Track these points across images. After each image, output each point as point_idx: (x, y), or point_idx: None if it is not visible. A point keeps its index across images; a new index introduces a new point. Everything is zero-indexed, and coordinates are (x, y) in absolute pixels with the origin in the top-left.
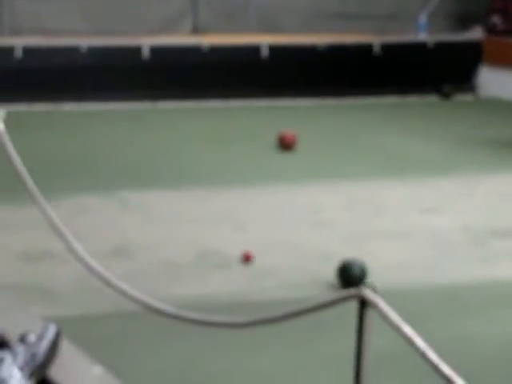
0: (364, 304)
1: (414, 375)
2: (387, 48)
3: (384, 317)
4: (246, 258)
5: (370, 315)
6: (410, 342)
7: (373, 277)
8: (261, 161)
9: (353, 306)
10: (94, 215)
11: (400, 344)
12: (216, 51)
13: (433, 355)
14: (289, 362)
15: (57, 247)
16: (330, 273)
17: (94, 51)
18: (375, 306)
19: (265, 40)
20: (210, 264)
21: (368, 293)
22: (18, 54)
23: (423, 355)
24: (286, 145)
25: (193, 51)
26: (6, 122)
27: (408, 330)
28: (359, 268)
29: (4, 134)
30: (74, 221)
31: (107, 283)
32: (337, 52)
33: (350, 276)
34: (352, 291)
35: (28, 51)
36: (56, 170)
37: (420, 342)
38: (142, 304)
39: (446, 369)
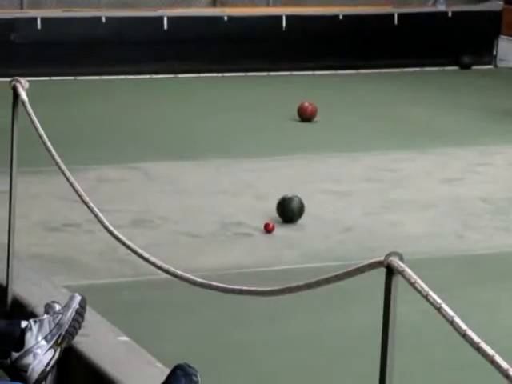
0: (391, 272)
1: (438, 344)
2: (407, 18)
3: (412, 284)
4: (268, 229)
5: (396, 283)
6: (437, 310)
7: (394, 247)
8: (281, 131)
9: (377, 274)
10: (115, 186)
11: (422, 313)
12: (236, 22)
13: (461, 322)
14: (314, 331)
15: (79, 217)
16: (351, 243)
17: (114, 22)
18: (402, 274)
19: (284, 11)
20: (232, 234)
21: (395, 260)
22: (38, 25)
23: (452, 323)
24: (306, 115)
25: (213, 22)
26: (28, 93)
27: (435, 297)
28: (297, 203)
29: (27, 104)
30: (96, 192)
31: (134, 252)
32: (357, 22)
33: (288, 210)
34: (378, 259)
35: (47, 22)
36: (77, 141)
37: (448, 310)
38: (167, 273)
39: (474, 336)
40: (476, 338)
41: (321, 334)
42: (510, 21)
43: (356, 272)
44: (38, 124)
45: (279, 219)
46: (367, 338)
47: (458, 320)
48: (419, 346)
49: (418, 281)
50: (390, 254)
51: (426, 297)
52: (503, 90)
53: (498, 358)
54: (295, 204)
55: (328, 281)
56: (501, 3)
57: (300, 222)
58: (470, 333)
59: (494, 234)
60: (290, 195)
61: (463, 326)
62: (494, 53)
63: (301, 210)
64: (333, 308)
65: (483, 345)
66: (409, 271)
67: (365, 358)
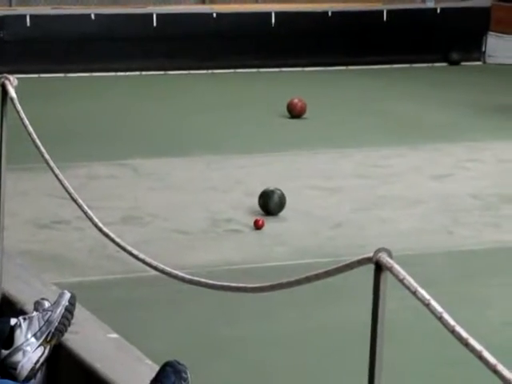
0: (380, 268)
1: (426, 340)
2: (396, 15)
3: (400, 281)
4: (258, 225)
5: (385, 280)
6: (426, 306)
7: (383, 243)
8: (271, 128)
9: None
10: (104, 183)
11: (411, 310)
12: (225, 19)
13: (450, 318)
14: (303, 327)
15: (69, 215)
16: (341, 240)
17: (103, 19)
18: (391, 270)
19: (273, 7)
20: (222, 231)
21: (384, 257)
22: (27, 22)
23: (440, 319)
24: (295, 112)
25: (202, 19)
26: (17, 90)
27: (424, 293)
28: (278, 196)
29: (16, 101)
30: (86, 189)
31: (123, 249)
32: (346, 19)
33: (269, 203)
34: (367, 255)
35: (36, 20)
36: (66, 138)
37: (437, 306)
38: (156, 270)
39: (463, 331)
40: (464, 334)
41: (310, 330)
42: (499, 17)
43: (345, 268)
44: (26, 121)
45: (262, 212)
46: (356, 333)
47: (446, 316)
48: (408, 342)
49: (407, 277)
50: (378, 250)
51: (415, 293)
52: (492, 86)
53: (486, 354)
54: (276, 197)
55: (317, 277)
56: None
57: (289, 218)
58: (458, 329)
59: (483, 229)
60: (271, 188)
61: (452, 322)
62: (483, 49)
63: (282, 202)
64: (322, 304)
65: (471, 341)
66: (397, 267)
67: (354, 353)
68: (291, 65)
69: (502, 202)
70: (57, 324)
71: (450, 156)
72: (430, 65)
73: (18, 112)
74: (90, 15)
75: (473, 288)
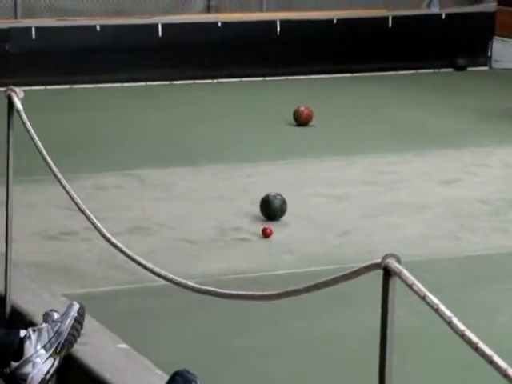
0: (388, 273)
1: (436, 346)
2: (401, 21)
3: (409, 286)
4: (266, 234)
5: (393, 285)
6: (435, 311)
7: (391, 249)
8: (277, 136)
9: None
10: (111, 194)
11: (419, 315)
12: (230, 28)
13: (459, 323)
14: (313, 335)
15: (76, 226)
16: (349, 247)
17: (109, 30)
18: (399, 276)
19: (278, 16)
20: (230, 240)
21: (392, 263)
22: (32, 34)
23: (450, 324)
24: (302, 120)
25: (207, 28)
26: (23, 102)
27: (433, 298)
28: (279, 201)
29: (22, 113)
30: (93, 200)
31: (131, 259)
32: (351, 26)
33: (271, 208)
34: (375, 261)
35: (41, 32)
36: (72, 149)
37: (446, 311)
38: (165, 279)
39: (473, 336)
40: (474, 339)
41: (319, 339)
42: (504, 22)
43: (353, 275)
44: (33, 133)
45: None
46: (366, 340)
47: (455, 321)
48: (417, 348)
49: (416, 282)
50: (386, 256)
51: (424, 298)
52: (498, 91)
53: (496, 359)
54: (278, 202)
55: (326, 284)
56: (494, 4)
57: (297, 226)
58: (468, 333)
59: (491, 235)
60: (273, 193)
61: (461, 327)
62: (489, 54)
63: (283, 208)
64: (331, 312)
65: (482, 345)
66: (406, 273)
67: (364, 360)
68: (297, 73)
69: (509, 207)
70: (66, 335)
71: (456, 161)
72: (435, 70)
73: (24, 124)
74: (95, 26)
75: (481, 293)
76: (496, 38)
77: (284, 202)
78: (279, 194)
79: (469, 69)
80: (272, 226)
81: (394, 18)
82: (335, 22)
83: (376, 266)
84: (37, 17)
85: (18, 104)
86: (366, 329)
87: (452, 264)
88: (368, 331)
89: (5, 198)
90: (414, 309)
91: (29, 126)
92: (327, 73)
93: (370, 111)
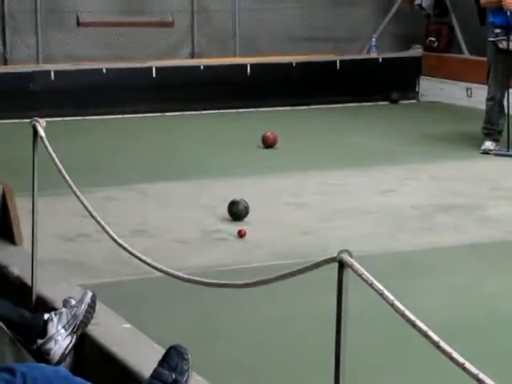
0: (342, 265)
1: (381, 323)
2: (347, 64)
3: (359, 275)
4: (241, 234)
5: (347, 275)
6: (380, 295)
7: (342, 246)
8: (249, 156)
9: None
10: (118, 204)
11: (368, 299)
12: (210, 70)
13: (400, 305)
14: (279, 316)
15: (89, 229)
16: (308, 244)
17: (113, 72)
18: (351, 267)
19: (249, 60)
20: (212, 239)
21: (346, 256)
22: (51, 76)
23: (392, 305)
24: (268, 143)
25: (192, 71)
26: (45, 131)
27: (379, 285)
28: (243, 205)
29: (45, 139)
30: (103, 209)
31: (134, 256)
32: (307, 68)
33: (236, 210)
34: (332, 256)
35: (59, 74)
36: (86, 168)
37: (389, 295)
38: (161, 271)
39: (411, 315)
40: (412, 317)
41: (286, 318)
42: (428, 64)
43: (314, 266)
44: (54, 155)
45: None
46: (324, 320)
47: (397, 303)
48: (366, 326)
49: (365, 272)
50: (341, 252)
51: (371, 285)
52: (424, 119)
53: (430, 333)
54: (241, 205)
55: (292, 274)
56: (420, 50)
57: (266, 227)
58: (407, 313)
59: (421, 234)
60: (237, 199)
61: (402, 308)
62: (417, 90)
63: (246, 209)
64: (295, 297)
65: (418, 322)
66: (357, 265)
67: (323, 336)
68: (264, 105)
69: (435, 212)
70: (81, 317)
71: (392, 175)
72: (374, 103)
73: (46, 148)
74: (101, 69)
75: (413, 281)
76: (422, 76)
77: (246, 205)
78: (243, 199)
79: (401, 102)
80: (245, 227)
81: (341, 61)
82: (294, 64)
83: (333, 259)
84: (55, 62)
85: (41, 132)
86: (324, 311)
87: (390, 258)
88: (326, 313)
89: (31, 207)
90: (362, 294)
91: (50, 150)
92: (289, 106)
93: (324, 136)
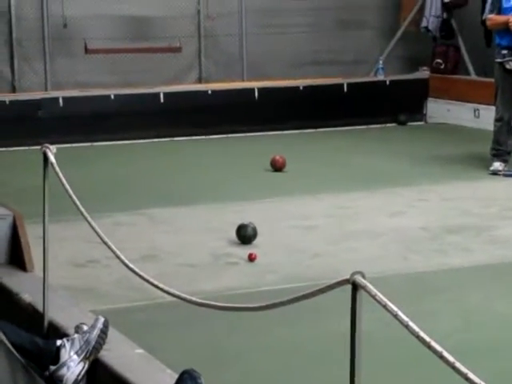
0: (355, 287)
1: (394, 344)
2: (354, 86)
3: (372, 297)
4: (251, 258)
5: (360, 297)
6: (394, 316)
7: (354, 268)
8: (258, 180)
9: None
10: (127, 229)
11: (381, 321)
12: (218, 94)
13: (414, 326)
14: (292, 339)
15: (99, 255)
16: (319, 267)
17: (121, 98)
18: (365, 289)
19: (256, 84)
20: (223, 263)
21: (359, 278)
22: (60, 103)
23: (407, 327)
24: (277, 167)
25: (199, 95)
26: (56, 157)
27: (393, 306)
28: (251, 228)
29: (55, 165)
30: (112, 234)
31: (146, 281)
32: (315, 91)
33: (244, 233)
34: (345, 278)
35: (67, 101)
36: (95, 194)
37: (403, 316)
38: (173, 296)
39: (426, 336)
40: (427, 338)
41: (300, 341)
42: (435, 86)
43: (328, 288)
44: (64, 181)
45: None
46: (338, 341)
47: (411, 324)
48: (380, 347)
49: (378, 294)
50: (354, 273)
51: (385, 306)
52: (432, 141)
53: (445, 354)
54: (249, 228)
55: (304, 297)
56: (427, 72)
57: (276, 251)
58: (422, 334)
59: (432, 255)
60: (245, 222)
61: (416, 329)
62: (424, 112)
63: (254, 232)
64: (309, 320)
65: (433, 343)
66: (370, 286)
67: (337, 359)
68: (272, 129)
69: (446, 233)
70: (94, 343)
71: (402, 197)
72: (382, 125)
73: (57, 174)
74: (110, 96)
75: (426, 303)
76: (430, 98)
77: (254, 228)
78: (251, 223)
79: (408, 124)
80: (255, 251)
81: (348, 84)
82: (301, 88)
83: (346, 281)
84: (63, 89)
85: (52, 158)
86: (337, 332)
87: (402, 279)
88: (339, 334)
89: (42, 234)
90: (375, 316)
91: (61, 176)
92: (297, 129)
93: (333, 158)
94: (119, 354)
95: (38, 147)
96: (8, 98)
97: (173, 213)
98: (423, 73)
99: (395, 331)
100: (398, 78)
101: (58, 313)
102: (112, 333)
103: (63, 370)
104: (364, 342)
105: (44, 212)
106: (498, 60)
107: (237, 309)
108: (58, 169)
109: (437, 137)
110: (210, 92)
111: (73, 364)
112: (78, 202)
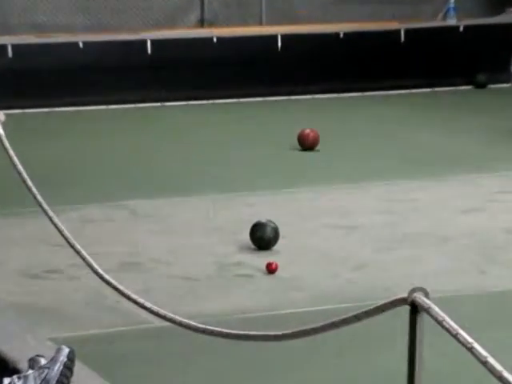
0: (415, 309)
1: None
2: (414, 34)
3: (439, 323)
4: (271, 268)
5: (421, 322)
6: (469, 350)
7: (411, 285)
8: (280, 162)
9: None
10: (101, 227)
11: (448, 356)
12: (226, 43)
13: (495, 363)
14: (330, 379)
15: (62, 262)
16: (364, 282)
17: (92, 47)
18: (428, 312)
19: (279, 30)
20: (232, 276)
21: (420, 297)
22: (8, 53)
23: (485, 364)
24: (307, 143)
25: (201, 44)
26: (4, 128)
27: (466, 336)
28: (271, 227)
29: (4, 138)
30: (80, 233)
31: (127, 298)
32: (360, 40)
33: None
34: (401, 296)
35: (19, 50)
36: (54, 179)
37: (481, 350)
38: (165, 319)
39: (511, 377)
40: None
41: (338, 381)
42: None
43: (377, 311)
44: (16, 160)
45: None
46: (390, 380)
47: (491, 360)
48: None
49: (446, 319)
50: (413, 290)
51: (456, 336)
52: None
53: None
54: (268, 229)
55: (346, 322)
56: None
57: (306, 260)
58: (506, 374)
59: None
60: (263, 221)
61: (498, 368)
62: (511, 70)
63: (275, 233)
64: (350, 353)
65: None
66: (435, 308)
67: None
68: (300, 92)
69: None
70: (55, 383)
71: (480, 188)
72: (453, 88)
73: (6, 150)
74: (77, 43)
75: (510, 332)
76: None
77: (275, 228)
78: (271, 221)
79: (490, 86)
80: (276, 259)
81: (406, 31)
82: (342, 36)
83: (403, 301)
84: (13, 33)
85: (0, 128)
86: (391, 373)
87: (477, 300)
88: (393, 374)
89: None
90: (442, 348)
91: (11, 153)
92: (333, 92)
93: (382, 133)
94: None
95: None
96: None
97: (163, 206)
98: (511, 16)
99: (468, 368)
100: (475, 22)
101: (5, 341)
102: (80, 368)
103: None
104: (425, 378)
105: None
106: None
107: (250, 337)
108: (7, 143)
109: None
110: (215, 40)
111: None
112: (34, 190)
